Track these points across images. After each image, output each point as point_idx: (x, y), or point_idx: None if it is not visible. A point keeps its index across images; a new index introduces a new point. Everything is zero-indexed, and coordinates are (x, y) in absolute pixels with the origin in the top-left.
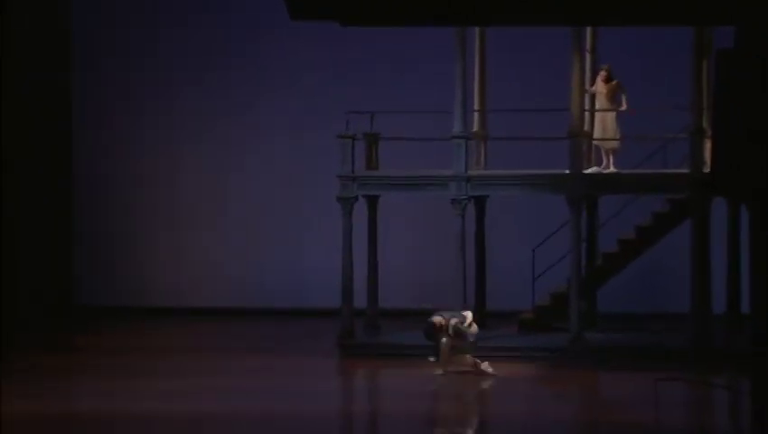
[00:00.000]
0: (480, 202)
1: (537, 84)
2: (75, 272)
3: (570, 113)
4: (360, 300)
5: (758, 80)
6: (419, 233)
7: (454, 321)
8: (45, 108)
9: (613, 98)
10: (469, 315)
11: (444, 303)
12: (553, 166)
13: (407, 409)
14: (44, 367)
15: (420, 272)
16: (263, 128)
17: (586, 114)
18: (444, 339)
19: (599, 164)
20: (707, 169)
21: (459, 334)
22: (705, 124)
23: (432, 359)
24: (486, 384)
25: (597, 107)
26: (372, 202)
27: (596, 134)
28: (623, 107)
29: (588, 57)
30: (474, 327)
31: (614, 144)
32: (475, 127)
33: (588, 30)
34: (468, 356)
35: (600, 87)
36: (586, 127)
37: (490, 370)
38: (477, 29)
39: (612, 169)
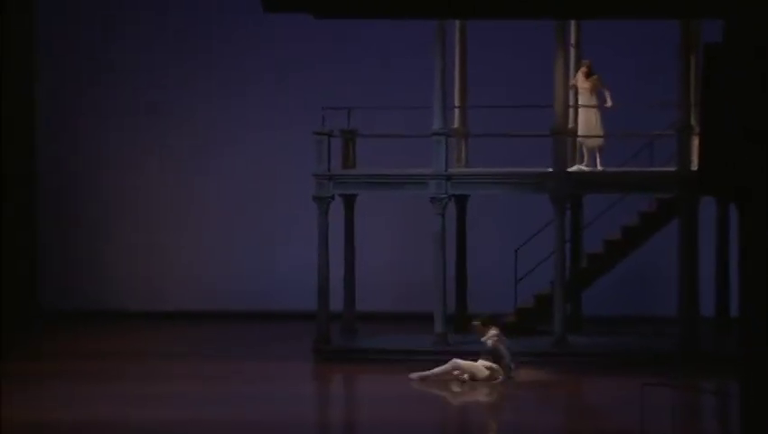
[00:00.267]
0: (460, 202)
1: (519, 80)
2: (40, 275)
3: (554, 109)
4: (337, 303)
5: (747, 76)
6: (398, 234)
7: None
8: (7, 109)
9: (595, 93)
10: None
11: (423, 305)
12: (536, 164)
13: (385, 416)
14: (10, 373)
15: (399, 274)
16: (235, 125)
17: (570, 110)
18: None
19: (582, 162)
20: (694, 167)
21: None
22: (693, 121)
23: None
24: (469, 389)
25: (579, 103)
26: (349, 201)
27: (580, 131)
28: (608, 103)
29: (573, 51)
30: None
31: (599, 141)
32: (456, 124)
33: (572, 23)
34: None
35: (581, 82)
36: (570, 124)
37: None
38: (457, 22)
39: (599, 167)
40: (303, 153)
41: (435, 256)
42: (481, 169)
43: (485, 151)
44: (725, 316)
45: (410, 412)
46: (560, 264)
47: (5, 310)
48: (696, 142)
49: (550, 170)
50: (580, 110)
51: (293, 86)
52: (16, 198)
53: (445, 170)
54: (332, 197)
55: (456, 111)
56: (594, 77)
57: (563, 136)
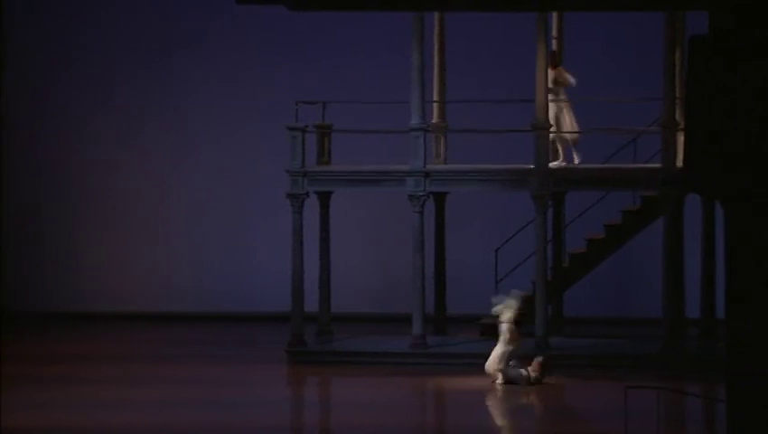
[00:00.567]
0: (439, 199)
1: (499, 73)
2: (3, 277)
3: (535, 104)
4: (312, 304)
5: (733, 70)
6: (374, 232)
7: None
8: None
9: (561, 83)
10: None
11: (401, 306)
12: (517, 161)
13: (360, 421)
14: None
15: (375, 274)
16: (206, 120)
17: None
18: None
19: (559, 159)
20: (679, 164)
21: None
22: (677, 116)
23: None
24: (451, 393)
25: (551, 98)
26: (324, 198)
27: (555, 126)
28: (572, 81)
29: (554, 44)
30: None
31: (574, 135)
32: (434, 119)
33: (554, 16)
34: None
35: (551, 77)
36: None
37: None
38: (435, 14)
39: (576, 161)
40: (276, 149)
41: (413, 255)
42: (460, 166)
43: (464, 147)
44: (711, 317)
45: (386, 417)
46: (542, 264)
47: None
48: (681, 138)
49: (531, 167)
50: (550, 105)
51: (265, 80)
52: None
53: (424, 166)
54: (307, 194)
55: (435, 106)
56: (559, 68)
57: (544, 132)
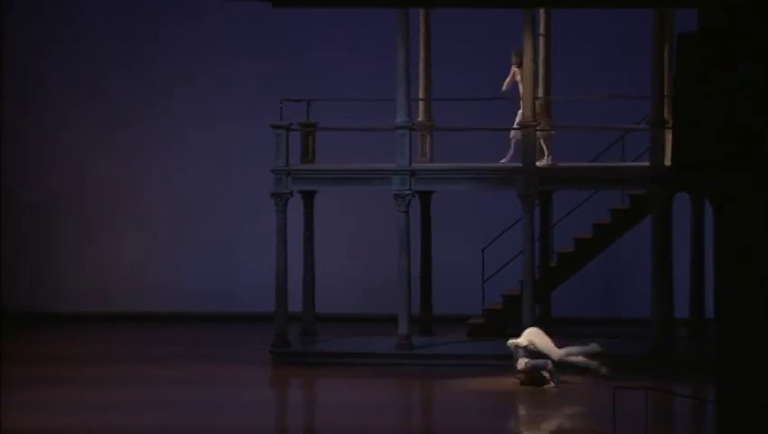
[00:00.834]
0: (425, 198)
1: (486, 71)
2: None
3: (522, 102)
4: (296, 304)
5: (723, 68)
6: (359, 232)
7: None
8: None
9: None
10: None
11: (387, 306)
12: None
13: (345, 422)
14: None
15: (360, 274)
16: (189, 119)
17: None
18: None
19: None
20: (668, 162)
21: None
22: (666, 114)
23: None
24: (434, 395)
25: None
26: (308, 197)
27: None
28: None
29: (542, 42)
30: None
31: (546, 132)
32: (420, 117)
33: (541, 13)
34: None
35: (516, 74)
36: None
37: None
38: (421, 11)
39: (547, 161)
40: (260, 147)
41: (398, 255)
42: (446, 164)
43: (451, 145)
44: (700, 317)
45: (371, 418)
46: (529, 263)
47: None
48: (669, 136)
49: (519, 165)
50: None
51: (249, 77)
52: None
53: (409, 165)
54: (291, 193)
55: (420, 104)
56: (522, 67)
57: (531, 130)
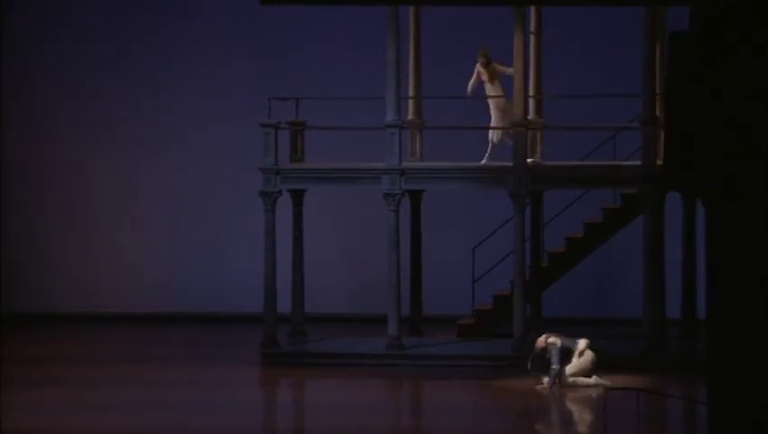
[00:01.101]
0: (415, 198)
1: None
2: None
3: (492, 102)
4: (285, 304)
5: (714, 66)
6: (349, 231)
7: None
8: None
9: (497, 81)
10: (581, 343)
11: (376, 306)
12: (494, 158)
13: (334, 423)
14: None
15: (350, 274)
16: (177, 117)
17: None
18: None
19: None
20: (660, 161)
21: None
22: (658, 113)
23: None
24: (424, 395)
25: (488, 94)
26: (297, 196)
27: (494, 124)
28: (509, 71)
29: (532, 39)
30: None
31: (509, 132)
32: (410, 116)
33: (532, 10)
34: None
35: (481, 74)
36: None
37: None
38: (411, 9)
39: (483, 162)
40: (248, 146)
41: (388, 255)
42: (436, 163)
43: (441, 144)
44: (692, 318)
45: (361, 420)
46: (520, 263)
47: None
48: (661, 135)
49: (510, 164)
50: (490, 102)
51: (238, 75)
52: None
53: (399, 164)
54: (280, 192)
55: (410, 102)
56: (492, 65)
57: (523, 129)
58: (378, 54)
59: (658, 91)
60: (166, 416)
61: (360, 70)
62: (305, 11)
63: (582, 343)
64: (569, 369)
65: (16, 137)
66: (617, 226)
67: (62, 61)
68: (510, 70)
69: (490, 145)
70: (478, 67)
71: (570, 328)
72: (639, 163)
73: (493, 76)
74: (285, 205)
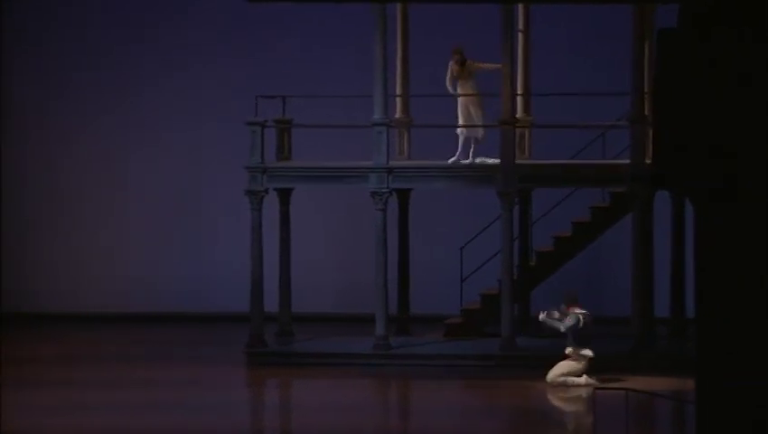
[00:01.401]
0: (403, 196)
1: None
2: None
3: (501, 99)
4: (272, 304)
5: (702, 63)
6: (336, 230)
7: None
8: None
9: (471, 80)
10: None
11: (364, 306)
12: (481, 157)
13: (321, 423)
14: None
15: (337, 273)
16: (162, 116)
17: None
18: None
19: (460, 154)
20: (648, 160)
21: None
22: (646, 111)
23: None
24: (412, 395)
25: (460, 93)
26: (284, 195)
27: (462, 122)
28: (492, 66)
29: (520, 37)
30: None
31: (480, 132)
32: (397, 114)
33: (520, 8)
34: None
35: (455, 72)
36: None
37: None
38: (399, 6)
39: (471, 159)
40: (235, 144)
41: (375, 254)
42: (424, 162)
43: (428, 143)
44: (681, 316)
45: (349, 420)
46: (508, 262)
47: None
48: (650, 133)
49: (497, 163)
50: (458, 100)
51: (224, 73)
52: None
53: (386, 163)
54: (266, 191)
55: (398, 101)
56: (468, 62)
57: (510, 128)
58: (365, 52)
59: (646, 90)
60: (151, 416)
61: (348, 68)
62: (292, 8)
63: (586, 352)
64: (560, 369)
65: (3, 137)
66: (606, 225)
67: (46, 58)
68: (490, 66)
69: (472, 142)
70: (452, 65)
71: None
72: (627, 161)
73: (470, 74)
74: (272, 204)
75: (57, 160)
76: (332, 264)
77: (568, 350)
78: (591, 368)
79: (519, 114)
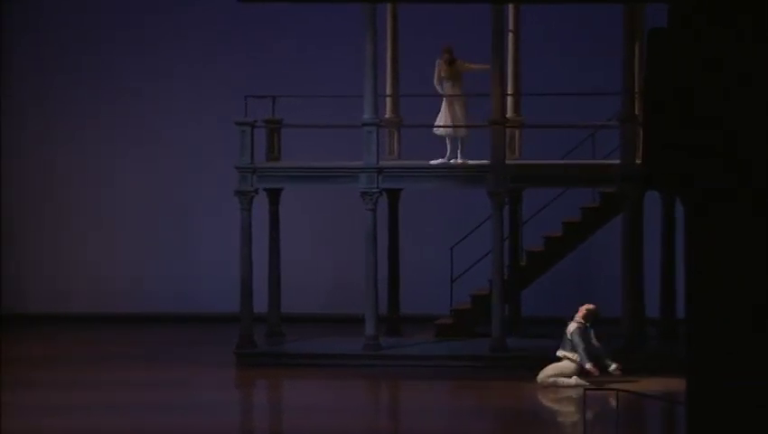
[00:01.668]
0: (393, 196)
1: None
2: None
3: (491, 98)
4: (261, 304)
5: (692, 63)
6: (326, 231)
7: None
8: None
9: (459, 80)
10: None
11: (354, 306)
12: (472, 157)
13: (311, 424)
14: None
15: (327, 273)
16: (151, 115)
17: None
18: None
19: (445, 155)
20: (638, 160)
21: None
22: (637, 111)
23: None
24: (402, 396)
25: (447, 92)
26: (274, 195)
27: (441, 121)
28: (480, 66)
29: (510, 37)
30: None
31: (463, 132)
32: (387, 114)
33: (510, 8)
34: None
35: (444, 71)
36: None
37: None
38: (389, 6)
39: (459, 160)
40: (224, 144)
41: (365, 254)
42: (414, 162)
43: (419, 142)
44: (671, 317)
45: (339, 421)
46: (498, 262)
47: None
48: (640, 133)
49: (488, 163)
50: (443, 100)
51: (213, 73)
52: None
53: (377, 162)
54: (256, 191)
55: (388, 100)
56: (458, 62)
57: (500, 127)
58: (355, 52)
59: (637, 89)
60: (139, 417)
61: (338, 68)
62: (282, 8)
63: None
64: (550, 370)
65: None
66: (596, 225)
67: (30, 59)
68: (478, 67)
69: (458, 142)
70: (440, 63)
71: (549, 328)
72: (618, 161)
73: (458, 74)
74: (261, 204)
75: (46, 160)
76: (322, 264)
77: (561, 353)
78: (582, 370)
79: (509, 114)
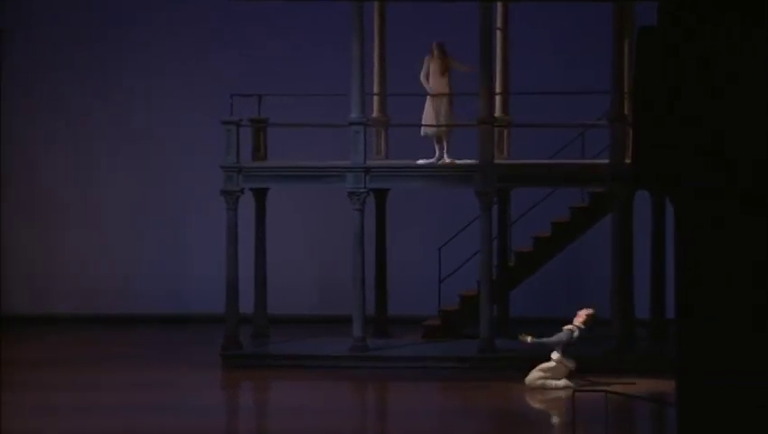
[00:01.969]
0: (380, 196)
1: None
2: None
3: (479, 97)
4: (247, 305)
5: (682, 62)
6: (313, 231)
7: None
8: None
9: (447, 76)
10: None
11: (341, 307)
12: (460, 156)
13: (297, 426)
14: None
15: (314, 274)
16: (136, 114)
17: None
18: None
19: (434, 156)
20: (628, 159)
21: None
22: (626, 110)
23: None
24: (389, 397)
25: (434, 90)
26: (260, 195)
27: (427, 120)
28: (465, 67)
29: (499, 35)
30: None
31: (445, 130)
32: (375, 113)
33: (499, 6)
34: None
35: (435, 64)
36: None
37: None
38: (376, 5)
39: (446, 160)
40: (210, 144)
41: (353, 254)
42: (402, 161)
43: (406, 142)
44: (661, 318)
45: (326, 423)
46: (487, 262)
47: None
48: (630, 133)
49: (476, 162)
50: (428, 97)
51: (199, 72)
52: None
53: (364, 162)
54: (242, 191)
55: (375, 99)
56: (447, 59)
57: (488, 127)
58: (342, 51)
59: (626, 88)
60: (125, 418)
61: (324, 66)
62: (269, 7)
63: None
64: (539, 371)
65: None
66: (585, 225)
67: (21, 56)
68: (465, 67)
69: (444, 141)
70: (429, 59)
71: (538, 328)
72: (607, 161)
73: (447, 69)
74: (247, 204)
75: (33, 159)
76: (309, 265)
77: (555, 356)
78: (571, 371)
79: (497, 113)
